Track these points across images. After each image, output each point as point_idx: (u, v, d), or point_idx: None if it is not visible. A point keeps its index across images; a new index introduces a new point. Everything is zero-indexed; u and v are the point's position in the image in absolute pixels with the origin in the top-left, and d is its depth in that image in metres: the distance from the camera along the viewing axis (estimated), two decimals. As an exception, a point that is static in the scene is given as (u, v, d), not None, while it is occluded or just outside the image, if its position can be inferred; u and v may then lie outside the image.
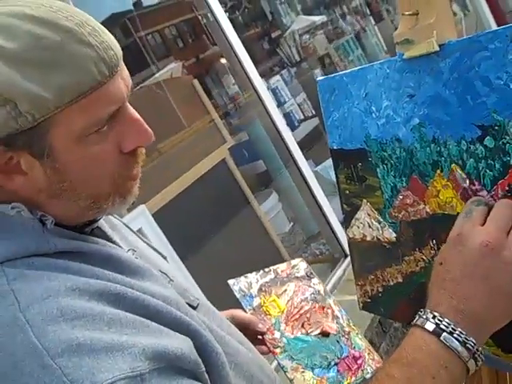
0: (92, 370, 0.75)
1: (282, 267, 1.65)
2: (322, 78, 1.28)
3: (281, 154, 3.46)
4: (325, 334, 1.48)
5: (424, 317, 0.94)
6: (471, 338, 0.90)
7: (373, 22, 7.91)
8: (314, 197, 3.41)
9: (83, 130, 0.84)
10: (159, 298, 0.92)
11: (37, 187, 0.88)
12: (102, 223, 1.04)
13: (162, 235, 2.52)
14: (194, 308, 1.03)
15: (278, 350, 1.43)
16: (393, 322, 2.76)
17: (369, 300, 1.35)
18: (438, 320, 0.91)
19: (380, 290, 1.30)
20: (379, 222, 1.24)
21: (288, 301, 1.54)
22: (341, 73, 1.22)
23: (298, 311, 1.52)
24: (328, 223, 3.44)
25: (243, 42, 3.27)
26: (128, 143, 0.92)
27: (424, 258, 1.15)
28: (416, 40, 1.02)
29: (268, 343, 1.45)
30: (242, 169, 3.97)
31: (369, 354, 1.48)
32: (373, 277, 1.31)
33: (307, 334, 1.48)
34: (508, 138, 0.92)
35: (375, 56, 6.61)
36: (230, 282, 1.60)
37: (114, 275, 0.89)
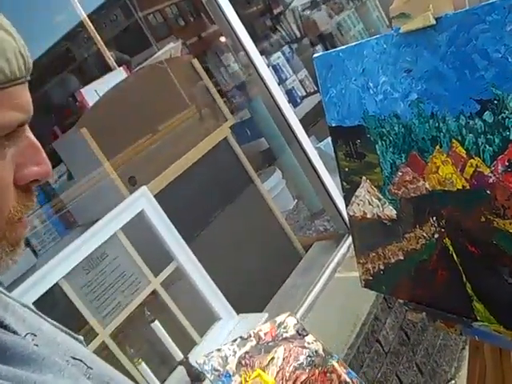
0: None
1: (264, 329, 1.37)
2: (319, 54, 1.27)
3: (283, 132, 3.44)
4: None
5: None
6: None
7: (374, -5, 7.84)
8: (317, 174, 3.39)
9: None
10: None
11: None
12: None
13: (165, 216, 2.51)
14: None
15: None
16: (398, 298, 2.77)
17: (370, 278, 1.34)
18: None
19: (381, 267, 1.29)
20: (379, 199, 1.23)
21: (277, 372, 1.24)
22: (337, 49, 1.21)
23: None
24: (332, 200, 3.42)
25: (245, 19, 3.23)
26: (26, 172, 0.76)
27: (424, 235, 1.14)
28: (412, 14, 1.00)
29: None
30: (245, 147, 3.94)
31: None
32: (374, 254, 1.30)
33: None
34: (507, 112, 0.91)
35: (377, 30, 6.54)
36: (200, 360, 1.30)
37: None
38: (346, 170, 1.29)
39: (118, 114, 2.98)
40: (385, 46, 1.09)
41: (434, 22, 0.97)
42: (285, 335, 1.34)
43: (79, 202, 2.91)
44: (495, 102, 0.92)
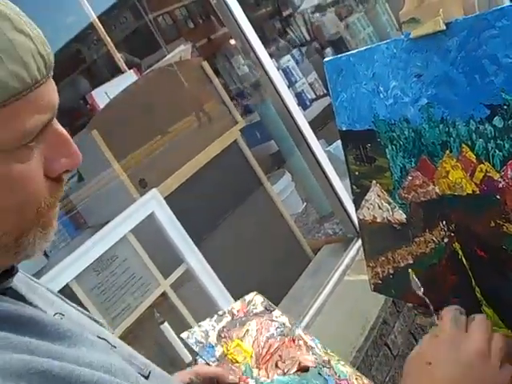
0: None
1: (236, 306, 1.51)
2: (329, 58, 1.27)
3: (292, 135, 3.45)
4: (304, 370, 1.35)
5: None
6: None
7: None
8: (326, 177, 3.40)
9: (12, 142, 0.68)
10: (100, 367, 0.72)
11: None
12: (16, 285, 0.84)
13: (175, 219, 2.52)
14: (146, 377, 0.86)
15: None
16: (407, 301, 2.76)
17: (380, 282, 1.34)
18: None
19: (391, 271, 1.30)
20: (389, 203, 1.23)
21: (253, 342, 1.41)
22: (348, 53, 1.21)
23: (268, 351, 1.39)
24: (341, 203, 3.43)
25: (254, 22, 3.25)
26: (57, 165, 0.76)
27: (434, 239, 1.14)
28: (422, 19, 1.00)
29: None
30: (254, 150, 3.95)
31: (357, 379, 1.39)
32: (383, 258, 1.30)
33: (284, 373, 1.33)
34: (517, 117, 0.91)
35: (386, 34, 6.54)
36: (184, 335, 1.43)
37: (37, 343, 0.69)
38: (356, 173, 1.29)
39: (129, 116, 3.00)
40: (395, 50, 1.09)
41: (444, 28, 0.97)
42: (255, 311, 1.50)
43: (89, 204, 2.93)
44: (505, 107, 0.92)
